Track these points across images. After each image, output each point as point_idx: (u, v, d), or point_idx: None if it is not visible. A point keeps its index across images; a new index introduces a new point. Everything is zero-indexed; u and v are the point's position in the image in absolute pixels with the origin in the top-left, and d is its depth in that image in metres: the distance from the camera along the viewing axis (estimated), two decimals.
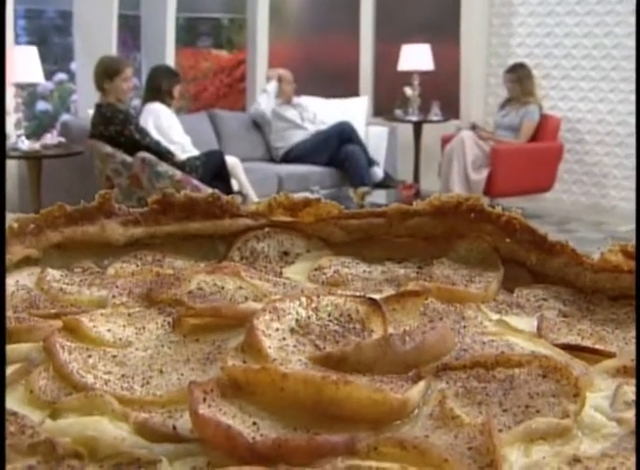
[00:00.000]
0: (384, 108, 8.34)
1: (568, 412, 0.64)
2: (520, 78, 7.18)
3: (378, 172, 7.44)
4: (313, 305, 0.77)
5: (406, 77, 7.90)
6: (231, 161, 6.63)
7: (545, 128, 7.28)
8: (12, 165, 6.61)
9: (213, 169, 6.43)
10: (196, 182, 6.01)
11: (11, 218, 0.98)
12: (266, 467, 0.55)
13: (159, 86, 6.56)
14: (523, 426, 0.62)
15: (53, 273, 0.95)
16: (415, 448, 0.57)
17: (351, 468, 0.55)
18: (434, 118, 7.90)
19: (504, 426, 0.63)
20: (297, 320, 0.74)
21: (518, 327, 0.83)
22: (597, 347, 0.79)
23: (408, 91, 7.96)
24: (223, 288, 0.87)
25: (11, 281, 0.93)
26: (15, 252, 0.96)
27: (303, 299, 0.77)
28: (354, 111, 7.90)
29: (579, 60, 7.56)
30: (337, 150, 7.37)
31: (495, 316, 0.86)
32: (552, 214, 7.30)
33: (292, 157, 7.54)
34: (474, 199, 1.01)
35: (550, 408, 0.65)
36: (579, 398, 0.66)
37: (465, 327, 0.82)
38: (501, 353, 0.72)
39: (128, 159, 6.08)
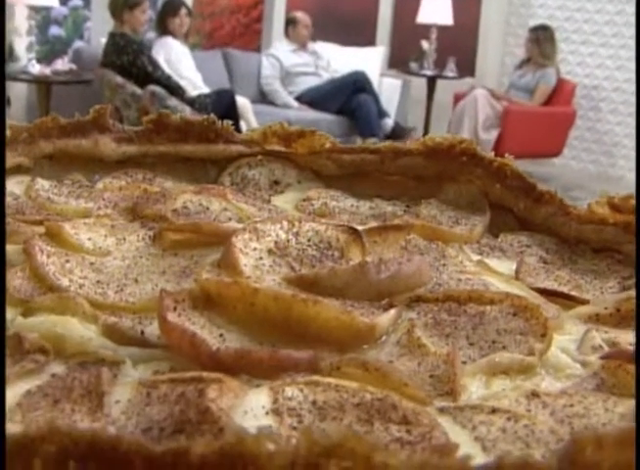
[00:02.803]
0: (399, 60, 8.25)
1: (533, 350, 0.65)
2: (538, 39, 7.08)
3: (388, 124, 7.39)
4: (294, 230, 0.77)
5: (424, 31, 7.80)
6: (241, 101, 6.59)
7: (560, 93, 7.21)
8: (21, 88, 6.58)
9: (223, 109, 6.38)
10: None
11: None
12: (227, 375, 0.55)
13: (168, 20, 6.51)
14: (486, 359, 0.63)
15: (42, 183, 0.95)
16: (377, 371, 0.58)
17: (310, 383, 0.56)
18: (449, 75, 7.82)
19: (469, 359, 0.64)
20: (275, 242, 0.74)
21: (497, 269, 0.84)
22: (572, 293, 0.79)
23: (425, 45, 7.87)
24: (208, 208, 0.87)
25: None
26: (6, 158, 0.96)
27: (285, 222, 0.77)
28: (369, 60, 7.82)
29: (601, 25, 7.45)
30: (349, 99, 7.30)
31: (476, 258, 0.87)
32: (558, 180, 7.27)
33: (302, 102, 7.49)
34: (467, 142, 1.01)
35: (516, 345, 0.66)
36: (546, 337, 0.66)
37: (444, 265, 0.82)
38: (474, 290, 0.73)
39: (138, 91, 6.05)
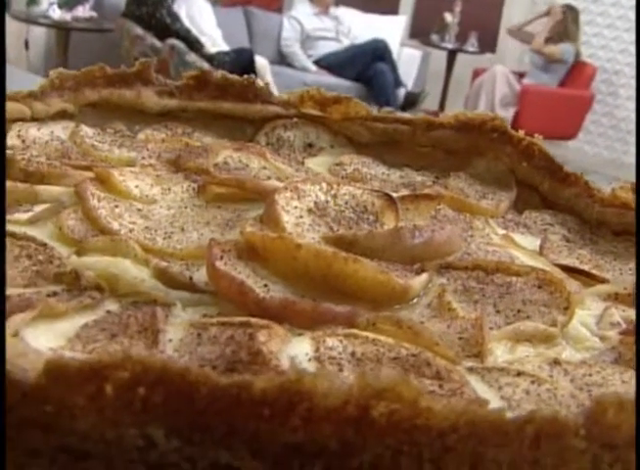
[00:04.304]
0: (420, 31, 8.21)
1: (556, 322, 0.69)
2: (562, 19, 7.05)
3: (402, 93, 7.38)
4: (333, 192, 0.80)
5: (448, 3, 7.76)
6: (260, 61, 6.58)
7: (580, 75, 7.19)
8: (40, 33, 6.57)
9: (241, 67, 6.37)
10: None
11: (52, 72, 1.01)
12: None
13: None
14: (512, 326, 0.67)
15: (86, 129, 0.98)
16: (410, 329, 0.62)
17: (350, 335, 0.59)
18: (470, 49, 7.80)
19: (495, 325, 0.67)
20: (315, 202, 0.78)
21: (521, 244, 0.87)
22: (593, 272, 0.82)
23: (448, 17, 7.83)
24: (248, 165, 0.90)
25: (46, 131, 0.96)
26: (52, 104, 0.99)
27: (324, 184, 0.80)
28: (390, 29, 7.79)
29: (627, 9, 7.40)
30: (367, 66, 7.29)
31: (502, 231, 0.90)
32: (571, 163, 7.23)
33: (320, 66, 7.47)
34: (499, 120, 1.03)
35: (540, 316, 0.69)
36: (569, 311, 0.70)
37: (472, 236, 0.86)
38: (502, 261, 0.76)
39: (157, 43, 6.04)
